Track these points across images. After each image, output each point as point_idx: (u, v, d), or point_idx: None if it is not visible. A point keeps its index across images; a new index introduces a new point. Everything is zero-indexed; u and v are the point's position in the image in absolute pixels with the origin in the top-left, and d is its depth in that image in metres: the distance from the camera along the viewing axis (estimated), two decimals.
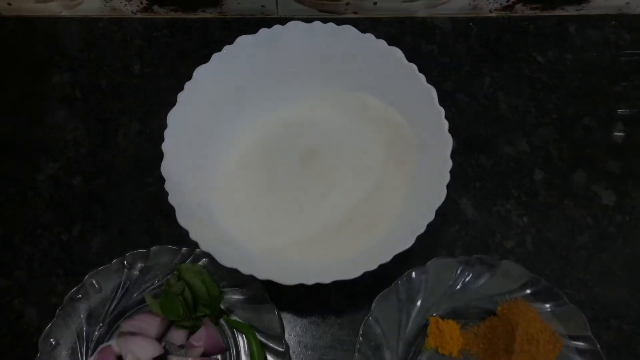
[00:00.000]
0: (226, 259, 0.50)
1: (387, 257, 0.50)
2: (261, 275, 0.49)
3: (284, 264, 0.54)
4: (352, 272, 0.50)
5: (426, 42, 0.73)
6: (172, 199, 0.52)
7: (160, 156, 0.54)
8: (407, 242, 0.50)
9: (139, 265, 0.59)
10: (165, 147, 0.55)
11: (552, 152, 0.66)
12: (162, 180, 0.62)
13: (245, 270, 0.50)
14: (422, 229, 0.51)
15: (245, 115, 0.62)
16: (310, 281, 0.49)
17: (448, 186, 0.51)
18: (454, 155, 0.53)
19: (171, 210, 0.61)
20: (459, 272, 0.58)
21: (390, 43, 0.58)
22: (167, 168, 0.54)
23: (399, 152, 0.60)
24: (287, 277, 0.50)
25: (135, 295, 0.58)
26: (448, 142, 0.54)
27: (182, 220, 0.51)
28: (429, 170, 0.55)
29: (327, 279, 0.50)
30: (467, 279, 0.58)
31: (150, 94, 0.70)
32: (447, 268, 0.59)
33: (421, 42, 0.73)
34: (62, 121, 0.69)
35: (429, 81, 0.56)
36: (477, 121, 0.68)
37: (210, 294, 0.56)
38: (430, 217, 0.51)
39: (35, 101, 0.70)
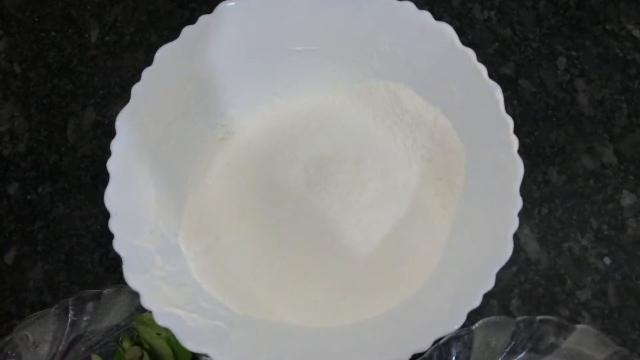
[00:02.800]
0: (193, 340, 0.35)
1: (424, 343, 0.35)
2: None
3: (279, 337, 0.38)
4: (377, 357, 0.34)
5: (481, 6, 0.54)
6: (120, 245, 0.37)
7: None
8: (455, 321, 0.35)
9: (89, 310, 0.45)
10: (111, 166, 0.38)
11: None
12: None
13: (220, 357, 0.34)
14: (476, 302, 0.35)
15: (229, 112, 0.45)
16: None
17: None
18: None
19: None
20: (515, 337, 0.43)
21: (432, 6, 0.40)
22: (114, 197, 0.38)
23: (441, 171, 0.43)
24: None
25: (82, 350, 0.45)
26: (517, 169, 0.37)
27: (131, 277, 0.36)
28: (486, 206, 0.39)
29: None
30: (526, 347, 0.43)
31: (111, 70, 0.53)
32: (499, 331, 0.44)
33: (474, 6, 0.54)
34: None
35: (483, 62, 0.39)
36: (546, 120, 0.50)
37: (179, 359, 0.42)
38: (489, 284, 0.35)
39: None
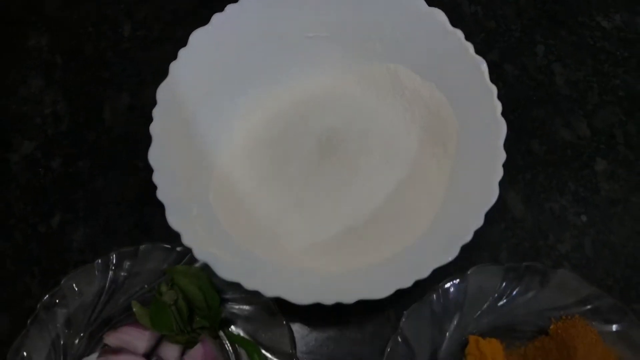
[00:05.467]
0: (226, 271, 0.41)
1: (424, 272, 0.41)
2: (269, 292, 0.41)
3: (297, 275, 0.44)
4: (380, 290, 0.41)
5: (468, 1, 0.61)
6: (162, 194, 0.43)
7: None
8: (449, 254, 0.41)
9: (126, 265, 0.50)
10: (153, 129, 0.45)
11: (617, 138, 0.56)
12: None
13: (249, 285, 0.41)
14: (468, 237, 0.41)
15: (251, 91, 0.52)
16: (329, 300, 0.40)
17: None
18: None
19: None
20: (504, 282, 0.49)
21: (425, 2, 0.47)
22: (156, 155, 0.45)
23: (437, 137, 0.49)
24: (301, 295, 0.40)
25: (121, 300, 0.50)
26: (501, 128, 0.44)
27: (174, 221, 0.42)
28: (476, 162, 0.45)
29: (349, 298, 0.40)
30: (514, 291, 0.49)
31: (142, 61, 0.60)
32: (490, 277, 0.49)
33: (462, 2, 0.61)
34: (39, 92, 0.59)
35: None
36: (528, 99, 0.57)
37: (209, 303, 0.47)
38: (479, 222, 0.42)
39: (8, 68, 0.60)
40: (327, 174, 0.50)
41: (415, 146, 0.51)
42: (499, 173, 0.42)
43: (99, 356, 0.47)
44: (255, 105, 0.52)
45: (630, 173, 0.54)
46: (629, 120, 0.56)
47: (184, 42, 0.49)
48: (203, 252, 0.41)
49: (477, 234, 0.50)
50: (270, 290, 0.40)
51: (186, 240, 0.41)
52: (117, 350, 0.47)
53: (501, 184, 0.52)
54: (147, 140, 0.54)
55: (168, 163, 0.44)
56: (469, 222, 0.42)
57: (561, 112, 0.57)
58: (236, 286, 0.46)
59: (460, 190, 0.46)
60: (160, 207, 0.52)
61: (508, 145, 0.53)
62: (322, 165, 0.50)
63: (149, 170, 0.53)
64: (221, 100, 0.51)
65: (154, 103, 0.47)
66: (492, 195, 0.42)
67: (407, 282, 0.40)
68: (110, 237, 0.53)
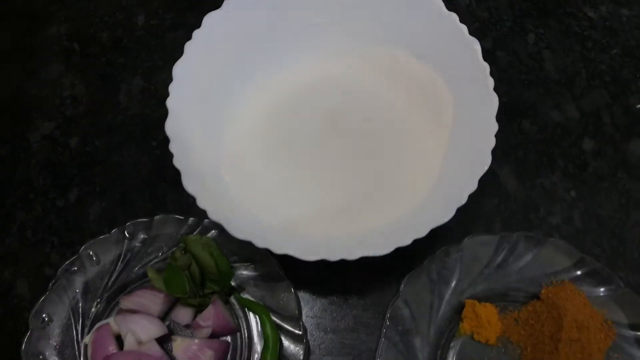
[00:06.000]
0: (238, 231, 0.44)
1: (422, 232, 0.44)
2: (278, 250, 0.43)
3: (304, 237, 0.47)
4: (382, 248, 0.43)
5: None
6: (178, 162, 0.46)
7: (165, 116, 0.48)
8: (446, 215, 0.44)
9: (141, 235, 0.53)
10: (170, 103, 0.48)
11: (604, 119, 0.59)
12: (167, 142, 0.56)
13: (259, 243, 0.43)
14: (463, 200, 0.44)
15: (260, 74, 0.55)
16: (334, 257, 0.43)
17: None
18: None
19: (177, 176, 0.54)
20: (498, 250, 0.52)
21: None
22: (172, 127, 0.48)
23: (434, 113, 0.53)
24: (308, 252, 0.43)
25: (136, 268, 0.53)
26: (493, 101, 0.47)
27: (189, 185, 0.45)
28: (471, 134, 0.49)
29: (353, 255, 0.43)
30: (507, 259, 0.52)
31: (155, 47, 0.64)
32: (485, 246, 0.52)
33: None
34: (58, 76, 0.63)
35: None
36: (519, 83, 0.61)
37: (220, 268, 0.50)
38: (473, 186, 0.45)
39: (29, 55, 0.64)
40: (331, 148, 0.53)
41: (413, 122, 0.54)
42: (492, 142, 0.46)
43: (116, 314, 0.49)
44: (263, 87, 0.56)
45: (616, 151, 0.57)
46: (615, 103, 0.60)
47: (195, 29, 0.52)
48: (217, 213, 0.44)
49: (472, 207, 0.53)
50: (279, 248, 0.43)
51: (201, 202, 0.44)
52: (134, 312, 0.49)
53: (494, 160, 0.55)
54: (160, 120, 0.57)
55: (183, 134, 0.48)
56: (464, 186, 0.45)
57: (551, 95, 0.60)
58: (245, 252, 0.49)
59: (456, 160, 0.49)
60: (172, 183, 0.56)
61: (501, 125, 0.56)
62: (327, 139, 0.54)
63: (162, 149, 0.57)
64: (232, 81, 0.54)
65: (166, 86, 0.49)
66: (485, 162, 0.45)
67: (406, 241, 0.43)
68: (126, 211, 0.56)
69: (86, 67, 0.63)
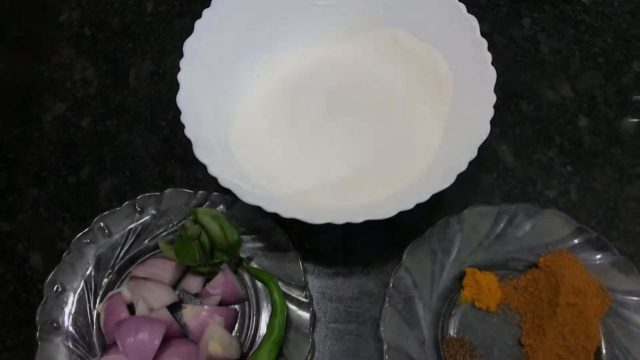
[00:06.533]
0: (248, 196, 0.45)
1: (424, 197, 0.45)
2: (286, 213, 0.45)
3: (311, 205, 0.49)
4: (386, 212, 0.45)
5: None
6: (189, 132, 0.48)
7: (174, 99, 0.50)
8: (447, 181, 0.46)
9: (152, 209, 0.55)
10: (181, 77, 0.50)
11: (597, 98, 0.61)
12: (176, 123, 0.59)
13: (268, 207, 0.45)
14: (463, 167, 0.46)
15: (266, 54, 0.58)
16: (339, 220, 0.45)
17: None
18: None
19: (186, 155, 0.57)
20: (497, 221, 0.54)
21: None
22: (183, 100, 0.50)
23: (435, 88, 0.55)
24: (314, 216, 0.45)
25: (147, 241, 0.54)
26: (491, 75, 0.50)
27: (200, 153, 0.47)
28: (470, 106, 0.51)
29: (357, 219, 0.45)
30: (507, 229, 0.54)
31: (164, 33, 0.66)
32: (485, 217, 0.54)
33: None
34: (70, 61, 0.65)
35: None
36: (516, 65, 0.63)
37: (229, 239, 0.52)
38: (473, 154, 0.47)
39: (42, 40, 0.66)
40: (335, 124, 0.55)
41: (414, 98, 0.56)
42: (490, 112, 0.48)
43: (129, 281, 0.51)
44: (270, 66, 0.58)
45: (610, 128, 0.60)
46: (608, 83, 0.62)
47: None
48: (227, 180, 0.46)
49: (471, 181, 0.56)
50: (287, 212, 0.45)
51: (212, 170, 0.46)
52: (146, 279, 0.51)
53: (493, 137, 0.58)
54: (168, 102, 0.60)
55: (193, 107, 0.49)
56: (464, 154, 0.46)
57: (546, 76, 0.62)
58: (253, 225, 0.51)
59: (457, 131, 0.51)
60: (181, 160, 0.58)
61: (498, 104, 0.58)
62: (331, 116, 0.56)
63: (171, 129, 0.59)
64: (239, 60, 0.56)
65: (174, 69, 0.51)
66: (484, 131, 0.47)
67: (409, 205, 0.45)
68: (135, 187, 0.58)
69: (97, 51, 0.65)
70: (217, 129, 0.52)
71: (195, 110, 0.50)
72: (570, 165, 0.58)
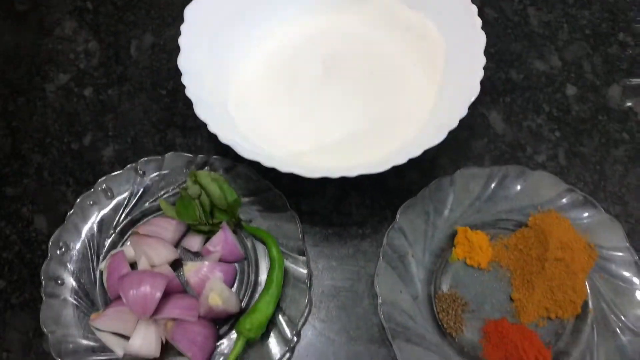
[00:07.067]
0: (246, 152, 0.47)
1: (417, 151, 0.47)
2: (283, 168, 0.47)
3: (308, 155, 0.51)
4: (379, 167, 0.47)
5: None
6: (190, 92, 0.50)
7: (174, 68, 0.51)
8: (439, 137, 0.48)
9: (153, 171, 0.57)
10: (182, 41, 0.52)
11: (585, 68, 0.63)
12: (176, 92, 0.61)
13: (266, 162, 0.47)
14: (454, 124, 0.48)
15: (264, 23, 0.59)
16: (334, 174, 0.47)
17: (476, 100, 0.48)
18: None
19: (186, 122, 0.58)
20: (488, 182, 0.56)
21: None
22: (184, 62, 0.51)
23: (427, 54, 0.57)
24: (311, 171, 0.47)
25: (148, 203, 0.56)
26: (481, 39, 0.51)
27: (201, 112, 0.49)
28: (460, 68, 0.53)
29: (352, 172, 0.47)
30: (497, 190, 0.55)
31: (165, 6, 0.68)
32: (476, 178, 0.56)
33: None
34: (72, 33, 0.66)
35: None
36: (506, 36, 0.65)
37: (228, 199, 0.53)
38: (463, 111, 0.48)
39: (45, 13, 0.68)
40: (331, 88, 0.57)
41: (407, 64, 0.58)
42: (480, 73, 0.49)
43: (131, 237, 0.52)
44: (267, 34, 0.59)
45: (597, 96, 0.62)
46: (595, 53, 0.64)
47: None
48: (227, 137, 0.48)
49: (463, 147, 0.58)
50: (284, 167, 0.46)
51: (212, 127, 0.48)
52: (148, 237, 0.52)
53: (483, 105, 0.60)
54: (168, 72, 0.61)
55: (193, 69, 0.51)
56: (455, 112, 0.48)
57: (536, 46, 0.64)
58: (251, 187, 0.53)
59: (448, 93, 0.53)
60: (181, 127, 0.59)
61: (489, 74, 0.60)
62: (326, 81, 0.57)
63: (171, 97, 0.61)
64: (238, 28, 0.58)
65: (174, 41, 0.53)
66: (474, 91, 0.49)
67: (401, 160, 0.47)
68: (137, 152, 0.60)
69: (99, 24, 0.67)
70: (216, 92, 0.54)
71: (195, 72, 0.52)
72: (559, 131, 0.60)
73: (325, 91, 0.57)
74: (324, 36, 0.60)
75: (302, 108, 0.56)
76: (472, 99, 0.49)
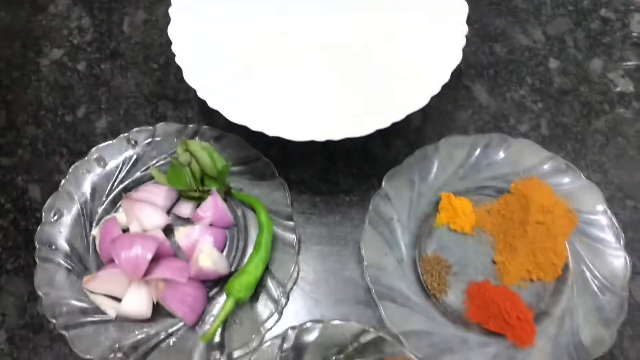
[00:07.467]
0: (235, 116, 0.48)
1: (399, 115, 0.48)
2: (271, 131, 0.48)
3: (295, 119, 0.52)
4: (363, 129, 0.48)
5: None
6: (180, 60, 0.51)
7: (166, 43, 0.53)
8: (421, 101, 0.49)
9: (145, 141, 0.58)
10: (172, 11, 0.53)
11: (567, 42, 0.65)
12: (167, 67, 0.62)
13: (254, 126, 0.48)
14: (436, 90, 0.49)
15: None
16: (320, 137, 0.48)
17: (461, 73, 0.50)
18: (467, 44, 0.51)
19: (177, 95, 0.60)
20: (472, 150, 0.57)
21: None
22: (174, 32, 0.53)
23: (411, 25, 0.58)
24: (297, 134, 0.48)
25: (140, 172, 0.57)
26: (463, 7, 0.53)
27: (190, 78, 0.50)
28: (443, 35, 0.54)
29: (338, 135, 0.48)
30: (481, 158, 0.57)
31: None
32: (460, 146, 0.57)
33: None
34: (66, 9, 0.68)
35: None
36: (490, 12, 0.66)
37: (217, 166, 0.55)
38: (445, 77, 0.50)
39: None
40: (319, 61, 0.58)
41: (393, 34, 0.59)
42: (462, 41, 0.51)
43: (124, 200, 0.54)
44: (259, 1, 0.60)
45: (579, 69, 0.63)
46: (577, 29, 0.65)
47: None
48: (216, 102, 0.49)
49: (448, 117, 0.59)
50: (271, 130, 0.48)
51: (201, 93, 0.49)
52: (139, 200, 0.54)
53: (468, 78, 0.61)
54: (160, 47, 0.63)
55: (183, 39, 0.52)
56: (438, 78, 0.50)
57: (519, 22, 0.66)
58: (240, 156, 0.54)
59: (431, 60, 0.54)
60: (172, 100, 0.61)
61: (474, 48, 0.62)
62: (316, 54, 0.59)
63: (163, 71, 0.62)
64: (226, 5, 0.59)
65: (166, 17, 0.54)
66: (457, 57, 0.50)
67: (385, 123, 0.48)
68: (129, 124, 0.61)
69: (92, 1, 0.68)
70: (205, 59, 0.55)
71: (185, 42, 0.53)
72: (541, 102, 0.61)
73: (315, 60, 0.58)
74: (317, 12, 0.61)
75: (290, 81, 0.57)
76: (455, 65, 0.50)
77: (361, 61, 0.58)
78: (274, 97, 0.55)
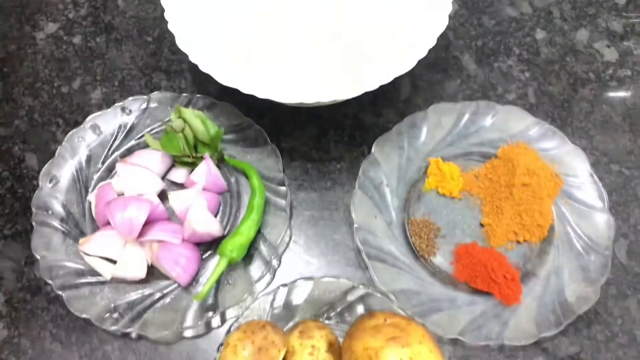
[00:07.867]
0: (226, 79, 0.50)
1: (386, 78, 0.49)
2: (261, 94, 0.49)
3: (285, 83, 0.53)
4: (352, 92, 0.49)
5: None
6: (173, 27, 0.52)
7: (159, 17, 0.54)
8: (408, 65, 0.50)
9: (139, 109, 0.59)
10: None
11: (554, 13, 0.66)
12: (161, 40, 0.63)
13: (245, 89, 0.49)
14: (423, 53, 0.50)
15: None
16: (310, 100, 0.49)
17: (448, 44, 0.51)
18: (456, 16, 0.52)
19: (170, 66, 0.61)
20: (460, 117, 0.58)
21: None
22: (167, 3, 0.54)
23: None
24: (287, 97, 0.49)
25: (134, 139, 0.58)
26: None
27: (183, 44, 0.51)
28: (431, 3, 0.55)
29: (326, 98, 0.49)
30: (469, 124, 0.58)
31: None
32: (448, 113, 0.58)
33: None
34: None
35: None
36: None
37: (210, 132, 0.56)
38: (432, 42, 0.51)
39: None
40: (310, 27, 0.60)
41: (381, 4, 0.60)
42: (449, 7, 0.52)
43: (118, 162, 0.55)
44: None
45: (565, 39, 0.64)
46: (564, 0, 0.67)
47: None
48: (207, 65, 0.50)
49: (436, 87, 0.60)
50: (262, 93, 0.49)
51: (193, 57, 0.50)
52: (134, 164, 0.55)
53: (457, 49, 0.62)
54: (154, 21, 0.64)
55: (176, 6, 0.53)
56: (425, 43, 0.51)
57: None
58: (233, 124, 0.55)
59: (418, 26, 0.55)
60: (166, 72, 0.62)
61: (462, 20, 0.63)
62: (312, 28, 0.60)
63: (157, 44, 0.63)
64: None
65: None
66: (443, 22, 0.51)
67: (373, 85, 0.49)
68: (124, 95, 0.62)
69: None
70: (197, 26, 0.56)
71: (177, 11, 0.54)
72: (528, 72, 0.63)
73: (304, 25, 0.59)
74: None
75: (280, 39, 0.58)
76: (441, 30, 0.51)
77: (350, 27, 0.59)
78: (264, 62, 0.57)
